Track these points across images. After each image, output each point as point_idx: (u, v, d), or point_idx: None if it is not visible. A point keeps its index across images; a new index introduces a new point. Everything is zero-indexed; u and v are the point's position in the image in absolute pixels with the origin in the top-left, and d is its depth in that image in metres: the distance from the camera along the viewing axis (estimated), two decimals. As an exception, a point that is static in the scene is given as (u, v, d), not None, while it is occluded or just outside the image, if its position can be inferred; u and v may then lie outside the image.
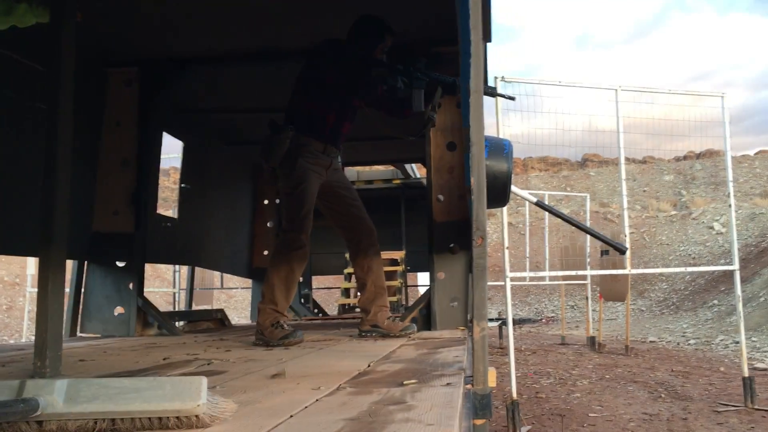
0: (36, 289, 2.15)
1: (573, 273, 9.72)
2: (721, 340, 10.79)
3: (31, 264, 10.49)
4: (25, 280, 11.49)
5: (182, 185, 6.35)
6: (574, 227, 4.49)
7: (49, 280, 2.04)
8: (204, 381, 1.32)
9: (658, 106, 6.35)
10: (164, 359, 2.79)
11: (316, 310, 9.12)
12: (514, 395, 4.89)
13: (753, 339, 10.32)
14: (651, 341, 11.65)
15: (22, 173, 3.82)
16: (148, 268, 5.14)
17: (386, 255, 9.35)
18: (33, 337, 2.38)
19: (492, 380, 1.81)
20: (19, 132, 3.89)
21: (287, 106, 3.75)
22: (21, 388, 1.32)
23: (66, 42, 2.15)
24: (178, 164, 6.75)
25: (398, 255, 9.38)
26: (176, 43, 4.66)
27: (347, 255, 9.28)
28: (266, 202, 7.70)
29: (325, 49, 3.64)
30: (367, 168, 11.16)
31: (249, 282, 8.41)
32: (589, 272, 9.42)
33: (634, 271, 6.63)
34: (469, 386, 1.75)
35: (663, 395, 6.13)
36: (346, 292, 9.47)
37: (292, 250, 3.57)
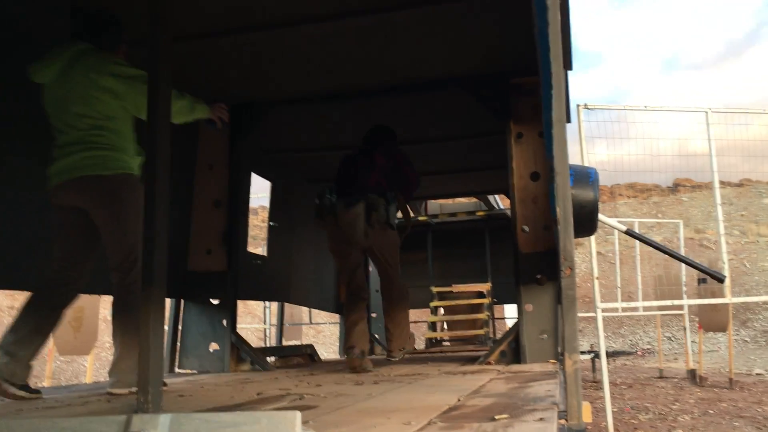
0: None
1: (668, 303, 9.32)
2: (837, 372, 10.05)
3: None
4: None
5: (270, 223, 6.52)
6: (667, 255, 4.34)
7: (150, 318, 2.14)
8: (298, 416, 1.35)
9: (753, 127, 6.11)
10: (258, 394, 2.85)
11: (403, 345, 9.09)
12: (611, 431, 4.71)
13: None
14: (757, 374, 10.99)
15: None
16: (240, 304, 5.29)
17: (472, 287, 9.27)
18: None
19: (587, 415, 1.76)
20: None
21: (373, 178, 4.41)
22: (128, 423, 1.38)
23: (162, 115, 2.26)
24: (266, 203, 6.96)
25: (484, 287, 9.26)
26: (263, 86, 4.84)
27: (433, 288, 9.27)
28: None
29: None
30: (450, 200, 11.15)
31: (336, 317, 8.50)
32: (686, 302, 9.02)
33: (735, 300, 6.32)
34: (563, 421, 1.71)
35: (774, 432, 5.75)
36: (432, 326, 9.41)
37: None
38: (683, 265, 8.30)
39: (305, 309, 12.39)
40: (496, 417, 1.81)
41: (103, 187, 3.00)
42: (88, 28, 3.17)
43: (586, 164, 4.80)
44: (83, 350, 7.03)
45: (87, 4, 3.32)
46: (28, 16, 3.42)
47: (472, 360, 4.51)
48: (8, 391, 2.81)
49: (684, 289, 9.36)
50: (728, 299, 6.19)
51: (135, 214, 2.93)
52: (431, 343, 9.23)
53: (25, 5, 3.38)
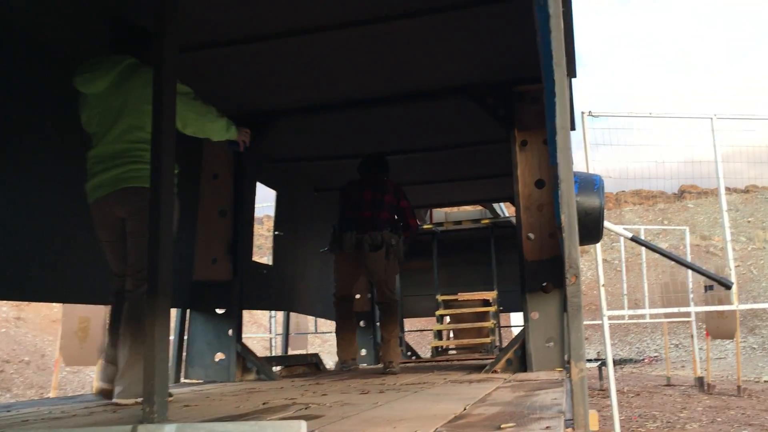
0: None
1: (675, 310, 9.28)
2: None
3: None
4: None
5: (276, 232, 6.53)
6: (674, 262, 4.32)
7: (155, 328, 2.14)
8: (304, 425, 1.35)
9: (758, 133, 6.10)
10: (263, 404, 2.85)
11: (409, 353, 9.08)
12: (619, 440, 4.68)
13: None
14: (765, 381, 10.93)
15: None
16: (245, 314, 5.28)
17: (478, 296, 9.24)
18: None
19: (594, 423, 1.75)
20: None
21: (384, 215, 4.85)
22: (133, 433, 1.38)
23: (167, 116, 2.27)
24: (271, 212, 6.96)
25: (490, 295, 9.24)
26: (268, 96, 4.85)
27: (439, 297, 9.25)
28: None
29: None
30: (455, 209, 11.15)
31: (342, 326, 8.46)
32: (693, 309, 8.98)
33: (742, 307, 6.29)
34: (569, 430, 1.71)
35: (783, 439, 5.71)
36: (438, 335, 9.39)
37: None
38: (690, 272, 8.27)
39: (311, 318, 12.39)
40: (502, 426, 1.81)
41: (145, 197, 3.00)
42: (132, 40, 3.17)
43: (591, 171, 4.79)
44: (89, 361, 7.03)
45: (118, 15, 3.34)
46: (63, 26, 3.44)
47: (478, 368, 4.49)
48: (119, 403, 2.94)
49: (691, 296, 9.32)
50: (735, 306, 6.16)
51: None
52: (437, 351, 9.21)
53: (61, 15, 3.40)
